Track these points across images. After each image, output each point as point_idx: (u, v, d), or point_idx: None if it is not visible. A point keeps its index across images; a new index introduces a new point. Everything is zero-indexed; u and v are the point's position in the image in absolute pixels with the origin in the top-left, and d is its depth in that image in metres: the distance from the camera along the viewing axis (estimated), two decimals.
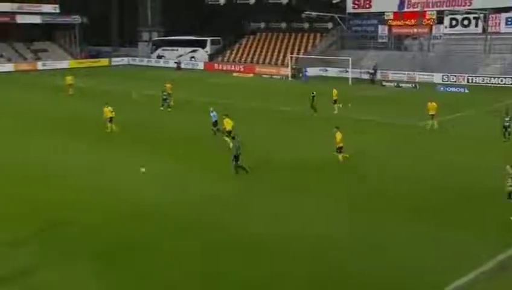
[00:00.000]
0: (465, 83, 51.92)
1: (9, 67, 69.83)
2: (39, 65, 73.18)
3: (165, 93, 40.16)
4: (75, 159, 24.86)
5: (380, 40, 63.96)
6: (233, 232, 16.53)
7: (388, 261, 14.28)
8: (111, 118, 30.80)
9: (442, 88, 50.50)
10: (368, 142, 27.95)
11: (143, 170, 21.50)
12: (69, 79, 48.04)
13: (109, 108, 31.16)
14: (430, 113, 30.64)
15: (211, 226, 17.11)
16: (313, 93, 37.30)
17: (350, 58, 57.18)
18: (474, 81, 52.09)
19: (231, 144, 26.12)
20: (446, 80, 53.48)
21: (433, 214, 17.86)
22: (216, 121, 30.92)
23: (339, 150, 23.69)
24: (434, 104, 30.80)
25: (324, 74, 62.19)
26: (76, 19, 78.57)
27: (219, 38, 76.86)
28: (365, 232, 16.40)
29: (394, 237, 16.13)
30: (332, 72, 61.75)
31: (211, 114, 31.37)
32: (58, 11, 77.28)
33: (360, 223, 17.24)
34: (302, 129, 32.25)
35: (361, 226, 16.87)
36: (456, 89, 49.74)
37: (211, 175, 22.25)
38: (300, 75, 59.99)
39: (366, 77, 57.02)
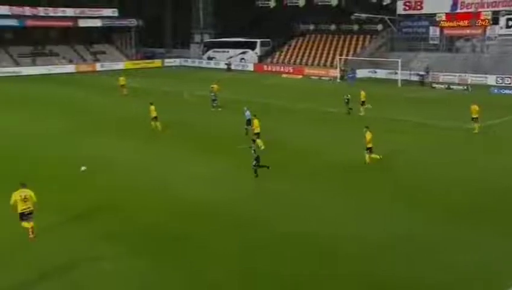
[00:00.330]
0: None
1: (70, 68, 72.17)
2: (98, 66, 74.84)
3: (212, 93, 40.59)
4: (125, 157, 25.34)
5: (431, 42, 62.46)
6: (281, 230, 16.44)
7: (436, 264, 13.95)
8: (155, 116, 31.65)
9: (496, 90, 49.33)
10: (411, 143, 27.94)
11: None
12: (122, 80, 48.89)
13: (153, 107, 31.98)
14: (473, 116, 29.88)
15: (258, 224, 17.16)
16: (347, 96, 37.38)
17: (399, 60, 56.13)
18: None
19: (262, 146, 26.64)
20: (500, 82, 51.80)
21: (479, 216, 17.44)
22: (249, 120, 30.95)
23: (369, 150, 23.47)
24: (476, 106, 29.82)
25: (373, 75, 61.22)
26: (132, 22, 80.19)
27: (269, 40, 76.57)
28: (412, 234, 16.12)
29: (442, 239, 15.82)
30: (381, 73, 60.74)
31: (245, 113, 31.72)
32: (116, 14, 79.61)
33: (406, 224, 16.98)
34: (348, 130, 31.74)
35: (407, 228, 16.60)
36: (511, 92, 48.10)
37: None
38: (345, 77, 59.24)
39: (416, 78, 55.66)
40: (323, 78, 62.61)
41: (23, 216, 15.46)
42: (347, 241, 15.43)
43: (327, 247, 15.20)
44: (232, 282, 13.38)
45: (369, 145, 23.37)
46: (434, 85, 53.37)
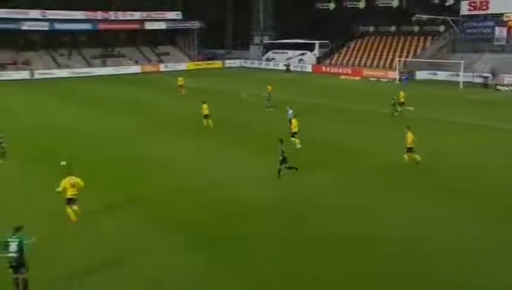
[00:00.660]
0: None
1: (136, 69, 74.07)
2: (161, 67, 76.07)
3: (267, 94, 41.06)
4: (182, 157, 25.97)
5: (496, 43, 60.27)
6: (334, 230, 16.60)
7: (496, 268, 13.77)
8: (206, 114, 32.59)
9: None
10: (468, 145, 27.77)
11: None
12: (180, 80, 49.68)
13: (205, 105, 32.77)
14: None
15: (309, 223, 17.31)
16: (393, 98, 36.92)
17: (462, 62, 54.30)
18: None
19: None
20: None
21: None
22: (291, 120, 31.42)
23: (409, 150, 23.38)
24: None
25: (433, 77, 59.76)
26: (195, 24, 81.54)
27: (327, 41, 76.09)
28: (468, 237, 15.87)
29: (500, 242, 15.53)
30: (441, 75, 59.09)
31: (288, 112, 32.09)
32: (180, 17, 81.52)
33: (462, 226, 16.70)
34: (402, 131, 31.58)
35: (463, 230, 16.38)
36: None
37: (307, 174, 22.22)
38: (400, 79, 58.81)
39: (480, 80, 53.94)
40: (381, 79, 61.71)
41: (70, 201, 17.05)
42: (395, 242, 15.49)
43: (374, 247, 15.26)
44: (280, 281, 13.54)
45: (410, 146, 23.21)
46: (498, 87, 51.54)
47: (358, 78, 64.72)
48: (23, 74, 65.57)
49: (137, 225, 17.41)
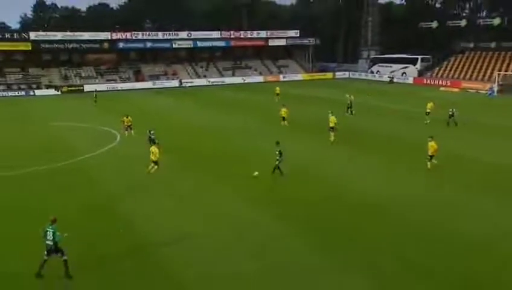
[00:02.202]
0: None
1: (259, 78, 75.74)
2: (281, 77, 77.32)
3: (348, 102, 41.14)
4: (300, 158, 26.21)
5: None
6: (443, 227, 16.46)
7: None
8: (283, 117, 35.19)
9: None
10: None
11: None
12: (277, 89, 51.00)
13: (284, 109, 35.20)
14: None
15: (416, 220, 17.23)
16: (451, 110, 35.85)
17: None
18: None
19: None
20: None
21: None
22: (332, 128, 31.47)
23: (431, 157, 22.94)
24: None
25: None
26: (311, 40, 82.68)
27: (429, 56, 74.22)
28: None
29: None
30: None
31: (330, 115, 31.90)
32: (298, 35, 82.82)
33: None
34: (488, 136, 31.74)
35: None
36: None
37: (412, 173, 22.73)
38: (487, 91, 56.37)
39: None
40: (480, 91, 58.87)
41: (153, 162, 22.46)
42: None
43: (486, 246, 14.98)
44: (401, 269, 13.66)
45: (431, 154, 22.91)
46: None
47: (456, 89, 62.63)
48: (173, 83, 70.47)
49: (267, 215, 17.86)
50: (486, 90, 57.79)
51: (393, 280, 13.23)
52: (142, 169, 23.48)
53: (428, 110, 37.59)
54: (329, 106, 41.37)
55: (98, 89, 59.55)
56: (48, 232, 12.99)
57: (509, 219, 17.26)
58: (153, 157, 22.75)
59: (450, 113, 35.94)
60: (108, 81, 68.81)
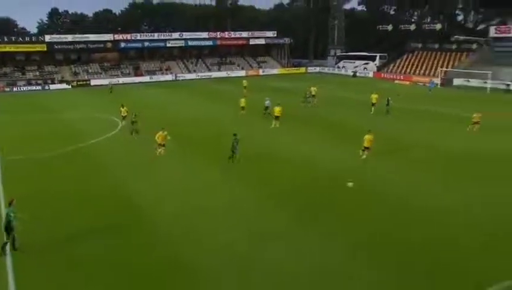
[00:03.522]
0: None
1: (242, 73, 76.74)
2: (260, 71, 78.82)
3: (307, 93, 41.32)
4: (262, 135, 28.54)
5: None
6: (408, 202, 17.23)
7: None
8: (243, 107, 34.74)
9: None
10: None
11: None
12: (244, 82, 51.18)
13: (243, 100, 35.04)
14: None
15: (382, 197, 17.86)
16: (388, 99, 36.97)
17: (490, 73, 54.37)
18: None
19: (277, 125, 29.25)
20: None
21: None
22: (267, 107, 32.57)
23: (365, 149, 22.50)
24: None
25: (467, 84, 58.57)
26: (286, 40, 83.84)
27: (385, 54, 76.48)
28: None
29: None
30: (473, 82, 57.83)
31: (266, 101, 32.83)
32: (275, 35, 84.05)
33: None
34: (437, 123, 33.02)
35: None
36: None
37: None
38: (428, 85, 57.64)
39: (503, 87, 53.58)
40: (426, 84, 59.57)
41: (161, 145, 22.87)
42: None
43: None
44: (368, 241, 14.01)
45: (366, 146, 22.40)
46: None
47: (408, 82, 64.63)
48: (167, 77, 72.54)
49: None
50: (428, 83, 58.96)
51: (362, 244, 13.95)
52: (140, 151, 24.65)
53: (373, 102, 37.41)
54: (296, 96, 43.44)
55: (109, 83, 61.94)
56: (7, 214, 13.07)
57: (430, 189, 18.61)
58: (159, 141, 22.93)
59: (386, 102, 37.11)
60: (111, 76, 70.80)
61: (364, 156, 22.72)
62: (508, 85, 53.59)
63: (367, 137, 22.66)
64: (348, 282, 12.05)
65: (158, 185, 20.02)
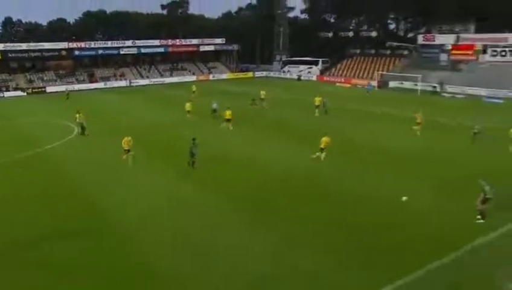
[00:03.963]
0: (502, 96, 50.35)
1: (193, 78, 76.65)
2: (210, 76, 78.99)
3: (257, 97, 41.92)
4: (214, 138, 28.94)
5: (441, 64, 62.63)
6: (339, 190, 18.92)
7: None
8: (188, 111, 34.55)
9: (486, 99, 49.74)
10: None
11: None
12: (193, 88, 50.77)
13: (189, 104, 34.91)
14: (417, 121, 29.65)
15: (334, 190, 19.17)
16: (324, 100, 38.17)
17: (420, 76, 56.72)
18: (508, 95, 50.37)
19: (231, 128, 29.35)
20: (489, 93, 51.86)
21: None
22: (215, 110, 33.02)
23: (321, 150, 23.08)
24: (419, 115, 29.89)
25: (401, 86, 61.08)
26: (234, 46, 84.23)
27: (328, 59, 77.81)
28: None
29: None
30: (406, 85, 60.23)
31: (214, 104, 33.28)
32: (224, 42, 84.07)
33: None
34: (376, 123, 34.56)
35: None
36: (496, 100, 48.71)
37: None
38: (366, 87, 59.51)
39: (431, 89, 56.13)
40: (365, 86, 62.26)
41: (126, 151, 21.74)
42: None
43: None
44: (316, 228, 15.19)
45: (323, 147, 22.94)
46: (443, 94, 53.83)
47: (348, 85, 66.45)
48: (121, 83, 71.43)
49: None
50: (367, 86, 61.05)
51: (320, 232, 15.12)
52: (97, 155, 25.05)
53: (317, 104, 38.30)
54: (245, 99, 43.88)
55: (66, 89, 60.99)
56: None
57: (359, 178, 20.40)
58: (125, 146, 22.30)
59: (323, 103, 38.41)
60: (67, 83, 69.26)
61: (314, 156, 23.34)
62: (435, 87, 56.33)
63: (324, 139, 23.24)
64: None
65: (118, 188, 20.22)
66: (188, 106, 35.94)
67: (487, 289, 12.15)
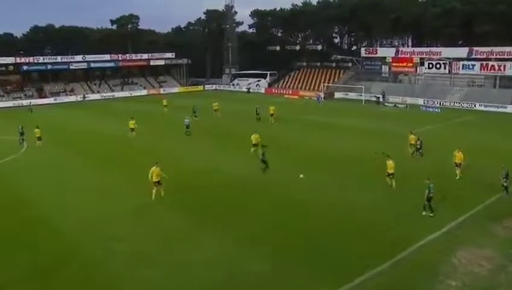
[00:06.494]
0: (438, 105, 52.82)
1: (144, 92, 76.09)
2: (161, 90, 77.35)
3: (195, 108, 43.04)
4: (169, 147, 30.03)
5: (383, 75, 64.52)
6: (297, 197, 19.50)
7: None
8: (132, 128, 34.49)
9: (424, 108, 51.86)
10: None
11: (301, 176, 21.00)
12: (164, 102, 51.41)
13: (132, 121, 34.96)
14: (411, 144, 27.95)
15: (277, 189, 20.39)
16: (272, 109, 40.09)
17: (363, 87, 58.70)
18: (443, 104, 53.08)
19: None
20: (426, 102, 54.24)
21: None
22: (188, 125, 34.10)
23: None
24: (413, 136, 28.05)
25: (346, 97, 63.22)
26: (184, 61, 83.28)
27: (275, 72, 78.98)
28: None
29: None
30: (351, 96, 62.40)
31: (185, 120, 34.24)
32: (174, 56, 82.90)
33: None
34: (324, 132, 35.66)
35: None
36: (432, 109, 51.09)
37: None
38: (315, 98, 61.66)
39: (374, 99, 57.83)
40: (312, 98, 64.24)
41: (157, 183, 19.31)
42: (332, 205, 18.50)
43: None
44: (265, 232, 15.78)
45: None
46: (386, 104, 55.31)
47: (296, 97, 67.20)
48: (71, 98, 68.71)
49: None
50: (315, 97, 63.03)
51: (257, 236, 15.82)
52: (47, 171, 25.22)
53: (271, 112, 40.15)
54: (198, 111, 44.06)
55: (29, 103, 59.21)
56: None
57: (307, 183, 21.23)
58: (154, 178, 19.47)
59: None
60: (14, 98, 65.22)
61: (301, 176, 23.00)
62: (378, 98, 57.90)
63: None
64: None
65: (63, 198, 20.66)
66: (131, 123, 35.44)
67: None
